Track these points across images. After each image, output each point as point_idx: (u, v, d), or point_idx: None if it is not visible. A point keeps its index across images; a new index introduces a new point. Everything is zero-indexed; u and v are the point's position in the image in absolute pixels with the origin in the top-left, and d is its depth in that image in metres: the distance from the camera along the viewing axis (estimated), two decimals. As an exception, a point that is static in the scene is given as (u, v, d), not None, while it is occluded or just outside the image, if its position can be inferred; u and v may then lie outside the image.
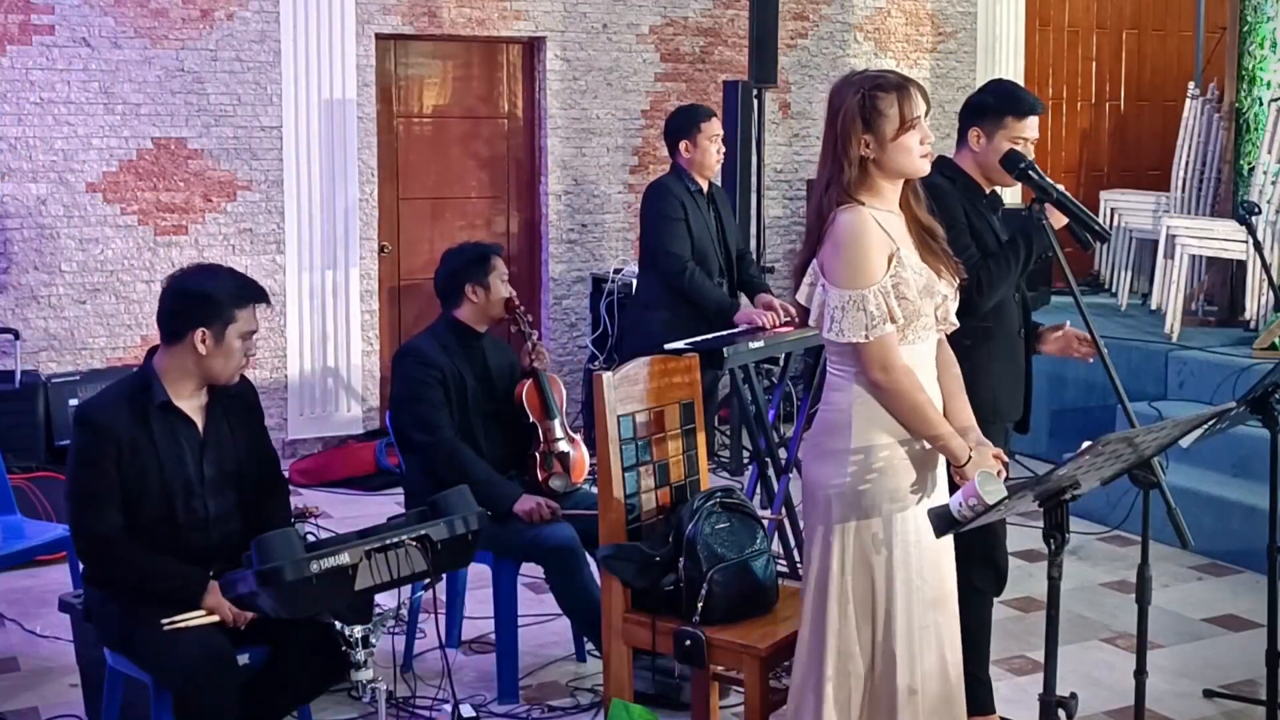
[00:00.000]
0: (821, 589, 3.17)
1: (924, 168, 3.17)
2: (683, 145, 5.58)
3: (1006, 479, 3.15)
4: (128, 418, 3.50)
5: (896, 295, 3.09)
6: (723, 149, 5.68)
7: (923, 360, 3.19)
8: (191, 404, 3.59)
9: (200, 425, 3.59)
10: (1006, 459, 3.24)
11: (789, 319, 5.32)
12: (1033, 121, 3.80)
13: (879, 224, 3.11)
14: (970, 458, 3.13)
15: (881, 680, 3.16)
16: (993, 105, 3.82)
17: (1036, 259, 3.75)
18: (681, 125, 5.62)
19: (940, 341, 3.29)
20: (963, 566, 3.88)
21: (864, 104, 3.10)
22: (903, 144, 3.12)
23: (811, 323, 3.23)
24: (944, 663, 3.23)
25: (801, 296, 3.24)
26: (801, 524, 3.38)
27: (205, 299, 3.54)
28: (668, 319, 5.36)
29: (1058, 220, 3.64)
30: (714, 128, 5.62)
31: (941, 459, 3.21)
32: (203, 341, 3.51)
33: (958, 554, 3.84)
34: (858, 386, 3.13)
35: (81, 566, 3.69)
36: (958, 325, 3.30)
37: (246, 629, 3.45)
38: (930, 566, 3.20)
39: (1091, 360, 3.82)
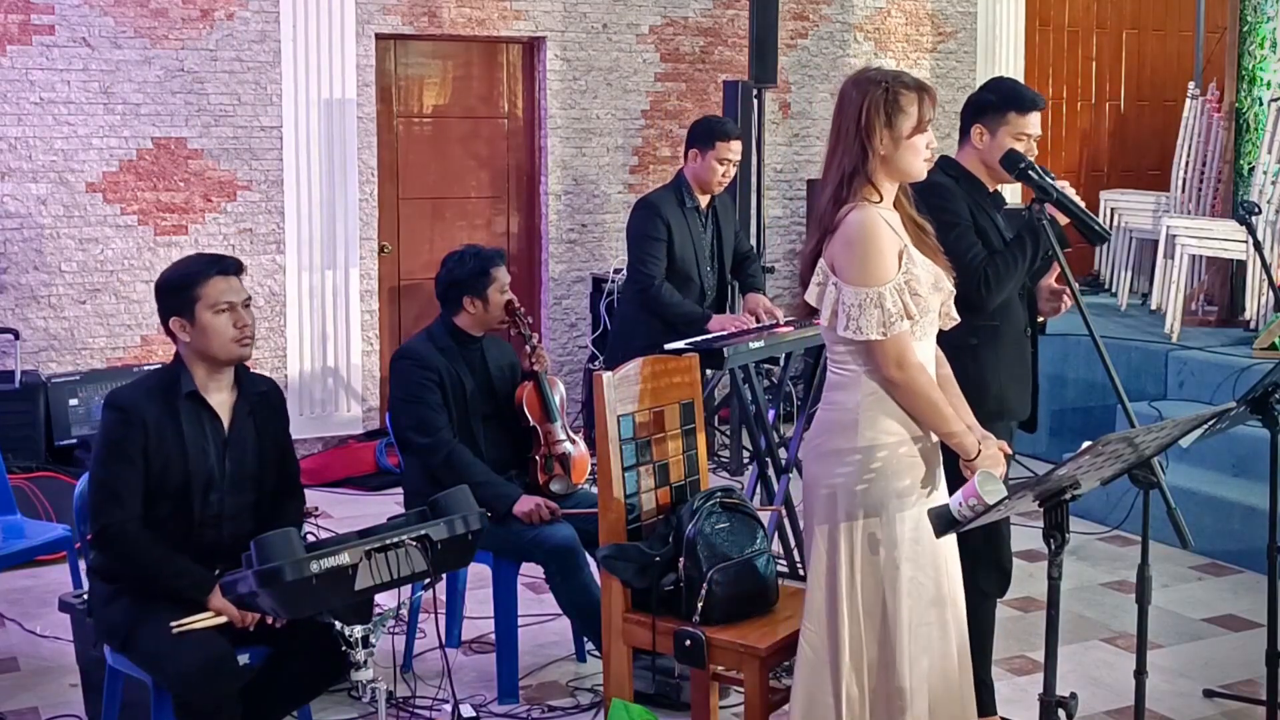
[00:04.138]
0: (832, 588, 3.18)
1: (924, 171, 3.22)
2: (692, 153, 5.43)
3: (1006, 476, 3.20)
4: (156, 405, 3.52)
5: (910, 292, 3.12)
6: (730, 173, 5.44)
7: (926, 358, 3.21)
8: (218, 398, 3.61)
9: (226, 421, 3.61)
10: (1010, 451, 3.34)
11: (774, 321, 5.32)
12: (1035, 118, 3.82)
13: (886, 221, 3.15)
14: (980, 451, 3.19)
15: (883, 678, 3.16)
16: (995, 102, 3.83)
17: (1042, 258, 3.76)
18: (699, 134, 5.43)
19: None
20: (968, 569, 3.88)
21: (888, 97, 3.14)
22: (914, 144, 3.17)
23: (823, 322, 3.21)
24: (948, 661, 3.23)
25: (811, 297, 3.25)
26: (801, 524, 3.38)
27: (167, 288, 3.58)
28: (648, 326, 5.36)
29: (1062, 218, 3.64)
30: (729, 150, 5.37)
31: (940, 456, 3.24)
32: (182, 329, 3.54)
33: (963, 558, 3.85)
34: (866, 384, 3.14)
35: (88, 561, 3.69)
36: (958, 320, 3.33)
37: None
38: (930, 565, 3.20)
39: (1066, 308, 3.97)
